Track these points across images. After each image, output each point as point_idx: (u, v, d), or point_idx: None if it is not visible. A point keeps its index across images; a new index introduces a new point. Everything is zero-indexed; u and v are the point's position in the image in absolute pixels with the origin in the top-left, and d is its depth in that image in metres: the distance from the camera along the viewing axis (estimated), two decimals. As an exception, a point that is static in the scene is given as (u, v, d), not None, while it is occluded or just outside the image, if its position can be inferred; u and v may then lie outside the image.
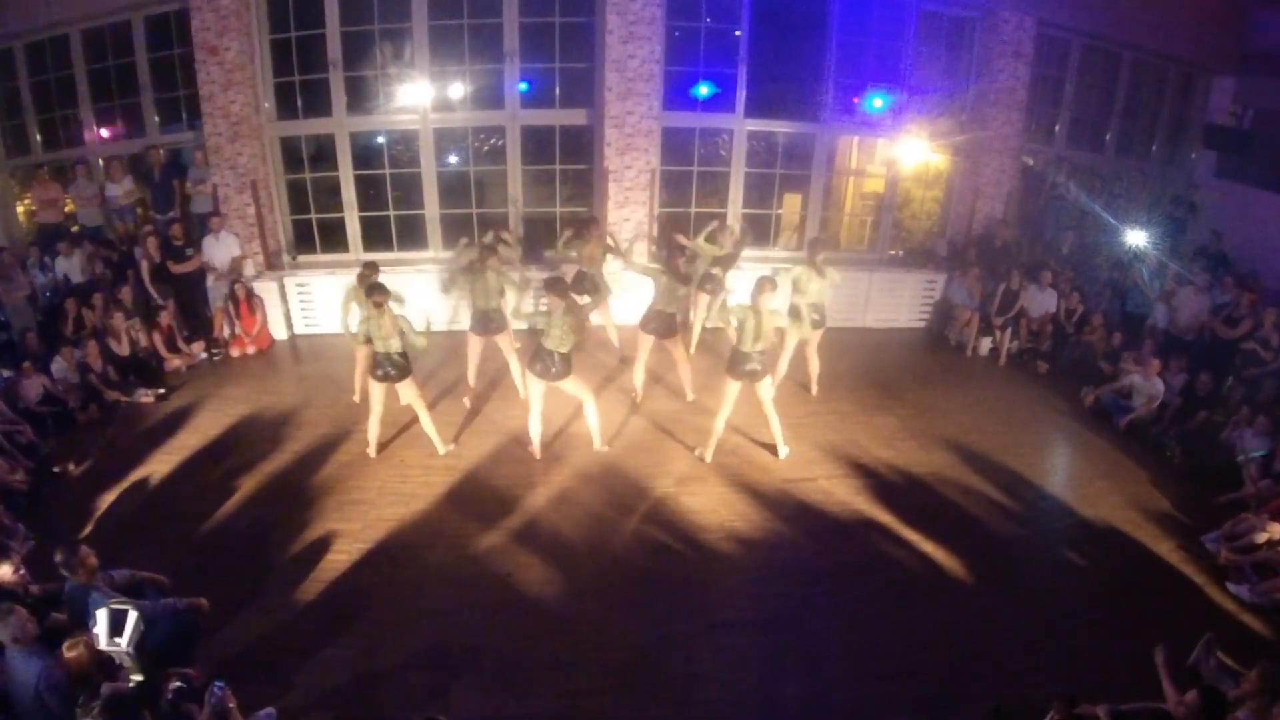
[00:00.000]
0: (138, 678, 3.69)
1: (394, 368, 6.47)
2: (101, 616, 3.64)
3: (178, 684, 3.71)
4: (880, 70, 9.71)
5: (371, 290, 6.40)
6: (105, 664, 3.74)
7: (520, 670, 4.71)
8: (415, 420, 6.94)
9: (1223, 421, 7.40)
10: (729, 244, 8.50)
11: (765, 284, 6.28)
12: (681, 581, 5.50)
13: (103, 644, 3.66)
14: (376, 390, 6.63)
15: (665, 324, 7.38)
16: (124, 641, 3.63)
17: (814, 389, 8.13)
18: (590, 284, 8.38)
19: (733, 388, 6.57)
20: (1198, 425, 7.49)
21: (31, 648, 3.83)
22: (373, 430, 6.82)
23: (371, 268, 7.43)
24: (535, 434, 6.82)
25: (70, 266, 9.03)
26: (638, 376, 7.84)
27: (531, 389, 6.67)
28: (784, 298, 7.43)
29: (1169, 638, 4.56)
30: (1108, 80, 10.68)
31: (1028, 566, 5.88)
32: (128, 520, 6.12)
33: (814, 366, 8.02)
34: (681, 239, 8.03)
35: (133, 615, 3.65)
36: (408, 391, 6.67)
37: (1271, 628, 5.25)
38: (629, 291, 8.84)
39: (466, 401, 7.82)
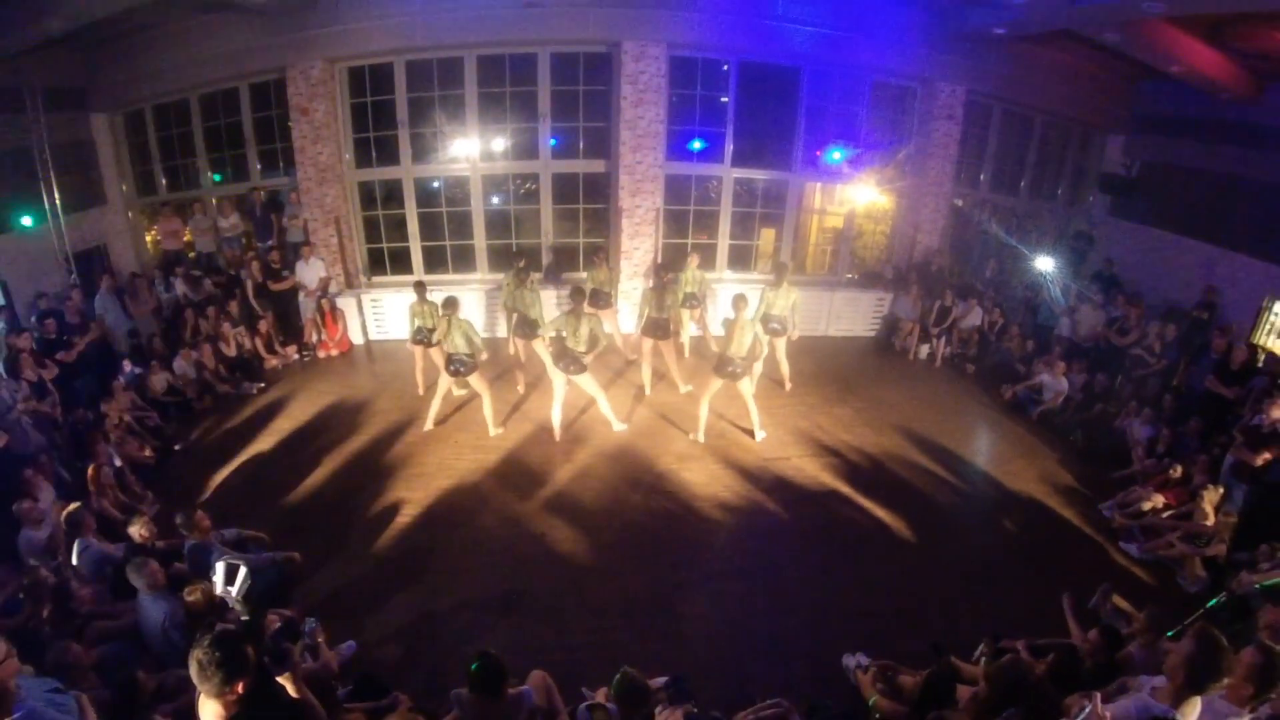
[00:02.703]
0: (245, 618, 3.69)
1: (462, 364, 6.52)
2: (220, 568, 3.68)
3: (279, 625, 3.71)
4: (840, 129, 9.65)
5: (445, 304, 6.53)
6: (219, 607, 3.74)
7: (554, 611, 4.71)
8: (468, 407, 6.92)
9: (1115, 413, 7.38)
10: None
11: (739, 300, 6.32)
12: (681, 540, 5.49)
13: (218, 590, 3.67)
14: (446, 379, 6.67)
15: (658, 328, 7.42)
16: (235, 590, 3.66)
17: (787, 385, 8.09)
18: (603, 299, 8.40)
19: (715, 383, 6.58)
20: (1095, 415, 7.46)
21: (160, 593, 3.83)
22: (434, 409, 6.90)
23: (420, 286, 7.47)
24: (556, 421, 6.79)
25: (184, 288, 9.02)
26: (645, 374, 7.83)
27: (555, 382, 6.64)
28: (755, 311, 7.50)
29: (1073, 586, 4.54)
30: (1023, 137, 10.63)
31: (960, 527, 5.86)
32: (235, 488, 6.14)
33: (785, 367, 7.99)
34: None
35: (243, 570, 3.70)
36: (476, 382, 6.70)
37: (1155, 578, 5.27)
38: (634, 305, 8.84)
39: (520, 389, 7.81)
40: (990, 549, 5.58)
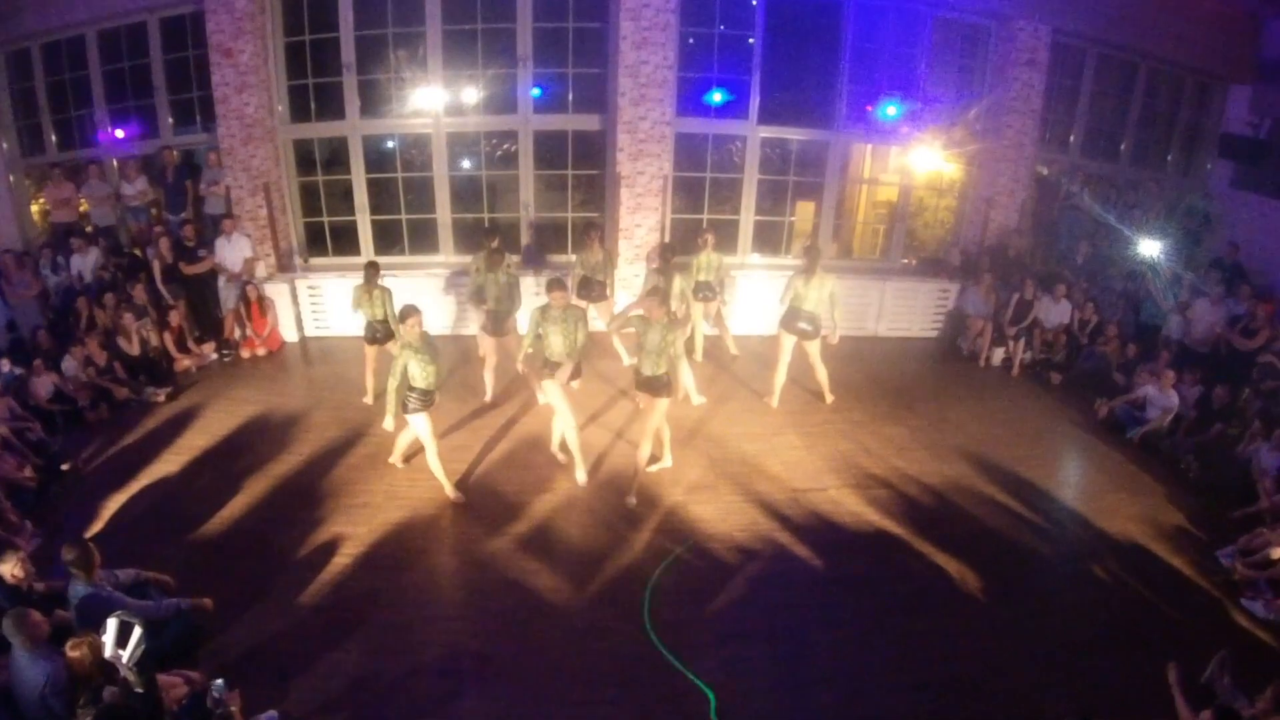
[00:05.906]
0: (138, 690, 3.68)
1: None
2: (110, 625, 3.67)
3: (186, 693, 3.71)
4: (894, 77, 9.69)
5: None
6: (108, 666, 3.74)
7: (527, 678, 4.68)
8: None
9: (1238, 435, 7.31)
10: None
11: (676, 266, 6.57)
12: (689, 592, 5.46)
13: (107, 651, 3.67)
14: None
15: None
16: (126, 655, 3.65)
17: (828, 397, 8.08)
18: (597, 288, 8.38)
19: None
20: (1213, 438, 7.41)
21: (39, 650, 3.83)
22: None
23: (372, 268, 7.50)
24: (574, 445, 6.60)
25: (85, 264, 9.06)
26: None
27: (551, 393, 6.44)
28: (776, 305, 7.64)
29: (1182, 654, 4.51)
30: (1123, 89, 10.63)
31: (1040, 580, 5.83)
32: (135, 519, 6.13)
33: (821, 374, 7.93)
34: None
35: (138, 631, 3.68)
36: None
37: (1286, 645, 5.19)
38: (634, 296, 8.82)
39: (488, 398, 7.86)
40: (1078, 606, 5.53)
